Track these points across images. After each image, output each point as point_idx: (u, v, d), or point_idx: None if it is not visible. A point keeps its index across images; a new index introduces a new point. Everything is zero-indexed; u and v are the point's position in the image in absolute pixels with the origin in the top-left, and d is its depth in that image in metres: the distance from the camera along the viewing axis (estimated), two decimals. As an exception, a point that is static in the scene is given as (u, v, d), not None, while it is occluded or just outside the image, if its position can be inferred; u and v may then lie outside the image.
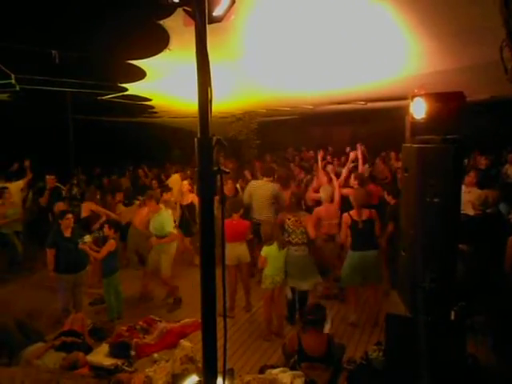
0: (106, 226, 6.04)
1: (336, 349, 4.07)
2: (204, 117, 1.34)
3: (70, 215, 5.73)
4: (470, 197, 5.72)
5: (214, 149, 1.34)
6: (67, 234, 5.62)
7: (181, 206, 8.03)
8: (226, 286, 1.47)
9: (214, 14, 1.91)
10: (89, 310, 6.05)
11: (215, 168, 1.34)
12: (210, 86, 1.35)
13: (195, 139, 1.34)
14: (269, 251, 5.21)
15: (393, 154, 10.45)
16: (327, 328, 4.59)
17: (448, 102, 2.79)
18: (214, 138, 1.35)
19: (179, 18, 3.60)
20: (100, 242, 6.19)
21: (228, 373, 1.65)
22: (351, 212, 5.37)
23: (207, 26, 1.49)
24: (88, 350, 4.75)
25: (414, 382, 2.77)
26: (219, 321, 1.53)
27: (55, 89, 6.59)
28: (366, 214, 5.34)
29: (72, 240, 5.66)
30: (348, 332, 5.27)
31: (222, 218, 1.54)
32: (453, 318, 2.82)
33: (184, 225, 7.74)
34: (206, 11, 1.39)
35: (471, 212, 5.28)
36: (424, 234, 2.73)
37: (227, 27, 3.38)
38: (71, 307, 5.65)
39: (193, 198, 7.66)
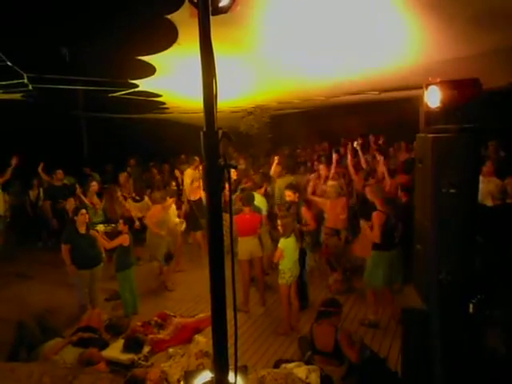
0: (121, 221, 6.11)
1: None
2: (209, 110, 1.31)
3: (84, 211, 5.79)
4: (489, 187, 5.59)
5: (220, 142, 1.31)
6: (82, 230, 5.68)
7: (188, 201, 8.16)
8: (235, 280, 1.44)
9: (220, 4, 1.87)
10: (105, 306, 6.14)
11: (222, 162, 1.31)
12: (215, 78, 1.32)
13: (201, 133, 1.31)
14: (287, 244, 5.16)
15: (403, 145, 10.25)
16: None
17: (464, 90, 2.69)
18: (220, 132, 1.32)
19: (187, 12, 3.58)
20: (113, 235, 6.28)
21: (241, 369, 1.62)
22: (380, 209, 5.13)
23: (213, 17, 1.45)
24: (104, 345, 4.82)
25: (432, 375, 2.72)
26: (231, 317, 1.51)
27: (67, 87, 6.64)
28: (391, 209, 5.18)
29: (87, 236, 5.72)
30: (362, 330, 5.21)
31: (230, 212, 1.51)
32: (471, 310, 2.75)
33: (191, 219, 7.86)
34: (210, 0, 1.35)
35: (490, 203, 5.15)
36: (440, 226, 2.66)
37: (234, 19, 3.34)
38: (88, 303, 5.73)
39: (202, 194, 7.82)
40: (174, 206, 7.37)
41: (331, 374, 3.78)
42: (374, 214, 5.13)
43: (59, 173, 8.57)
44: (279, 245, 5.19)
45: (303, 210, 5.95)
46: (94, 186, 7.88)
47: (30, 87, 6.67)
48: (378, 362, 3.96)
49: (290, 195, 6.09)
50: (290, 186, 6.26)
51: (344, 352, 3.92)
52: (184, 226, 7.48)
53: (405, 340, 3.08)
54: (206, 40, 1.32)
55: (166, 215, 6.98)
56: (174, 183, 8.22)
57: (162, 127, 13.17)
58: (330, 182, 6.38)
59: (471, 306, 2.74)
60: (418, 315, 2.96)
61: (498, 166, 6.40)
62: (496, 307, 4.22)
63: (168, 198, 7.03)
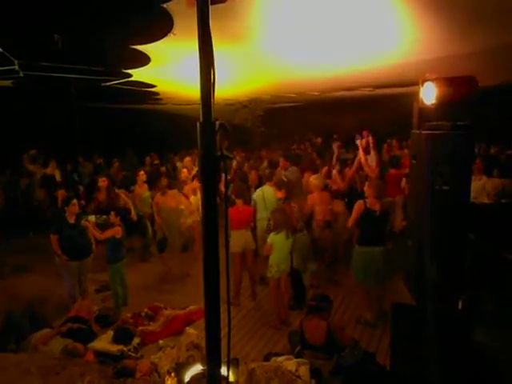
0: (113, 213, 6.04)
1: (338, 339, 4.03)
2: (207, 100, 1.29)
3: (75, 201, 5.72)
4: (483, 185, 5.63)
5: (217, 133, 1.29)
6: (72, 220, 5.61)
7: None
8: (229, 274, 1.43)
9: (218, -6, 1.85)
10: (95, 297, 6.11)
11: (218, 153, 1.29)
12: (213, 67, 1.29)
13: (197, 123, 1.29)
14: (276, 239, 5.17)
15: (395, 142, 10.28)
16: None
17: (460, 87, 2.69)
18: (217, 123, 1.30)
19: (183, 1, 3.52)
20: (104, 227, 6.23)
21: (232, 362, 1.62)
22: (367, 200, 5.09)
23: (210, 6, 1.43)
24: (94, 336, 4.79)
25: (420, 371, 2.75)
26: (224, 309, 1.50)
27: (59, 75, 6.53)
28: (382, 205, 5.14)
29: (77, 226, 5.66)
30: (351, 325, 5.22)
31: (226, 204, 1.50)
32: (460, 307, 2.78)
33: None
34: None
35: (486, 201, 5.18)
36: (432, 223, 2.67)
37: (231, 8, 3.30)
38: (77, 294, 5.68)
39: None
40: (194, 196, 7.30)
41: (320, 368, 3.81)
42: (357, 202, 5.17)
43: (53, 163, 8.49)
44: (268, 239, 5.21)
45: (286, 207, 5.90)
46: (143, 175, 7.76)
47: (21, 74, 6.56)
48: (367, 357, 3.98)
49: (277, 193, 6.05)
50: (277, 184, 6.18)
51: (339, 339, 3.95)
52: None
53: (394, 335, 3.11)
54: (205, 28, 1.30)
55: (176, 206, 6.97)
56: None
57: (153, 118, 13.08)
58: (314, 176, 6.33)
59: (460, 302, 2.77)
60: (407, 311, 2.99)
61: (487, 163, 6.44)
62: (484, 304, 4.27)
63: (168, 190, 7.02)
